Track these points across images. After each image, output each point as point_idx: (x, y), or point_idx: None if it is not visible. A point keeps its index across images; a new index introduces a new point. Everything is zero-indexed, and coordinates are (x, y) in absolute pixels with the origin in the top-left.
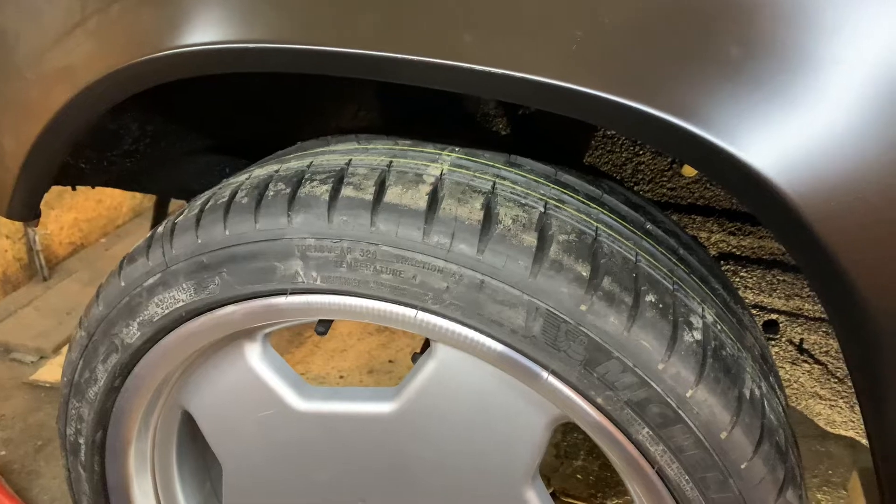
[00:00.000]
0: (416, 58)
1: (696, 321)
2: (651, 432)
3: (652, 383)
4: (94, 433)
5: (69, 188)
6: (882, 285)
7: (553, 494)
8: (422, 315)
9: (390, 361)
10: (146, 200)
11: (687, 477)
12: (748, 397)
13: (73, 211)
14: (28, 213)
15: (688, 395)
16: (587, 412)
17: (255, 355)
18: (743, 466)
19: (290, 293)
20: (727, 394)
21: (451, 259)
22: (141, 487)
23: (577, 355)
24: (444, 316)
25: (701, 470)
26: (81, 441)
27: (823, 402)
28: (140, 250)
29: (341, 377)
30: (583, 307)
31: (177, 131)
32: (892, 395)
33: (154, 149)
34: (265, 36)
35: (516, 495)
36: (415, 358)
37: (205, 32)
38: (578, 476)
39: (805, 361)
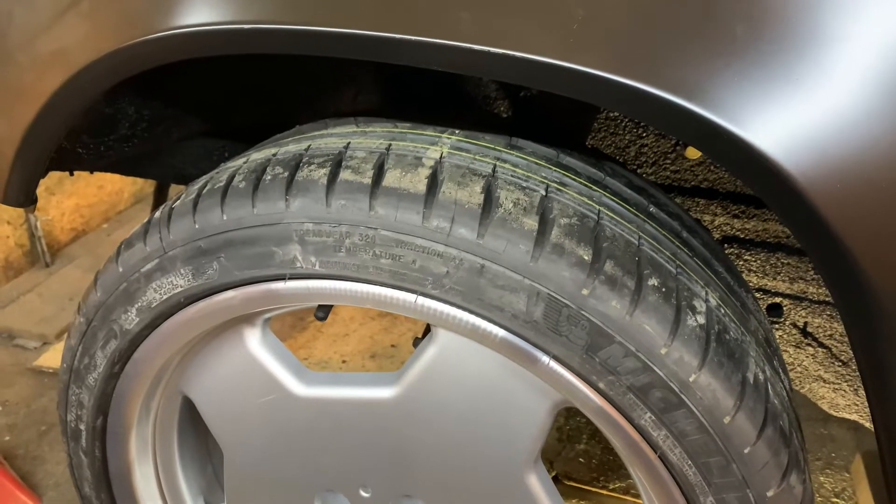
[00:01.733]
0: (412, 38)
1: (700, 305)
2: (654, 417)
3: (654, 368)
4: (94, 419)
5: (69, 174)
6: (887, 267)
7: (556, 478)
8: (422, 300)
9: (393, 346)
10: (147, 186)
11: (690, 462)
12: (752, 381)
13: (74, 197)
14: (25, 199)
15: (691, 379)
16: (589, 397)
17: (255, 340)
18: (746, 451)
19: (289, 278)
20: (730, 378)
21: (451, 243)
22: (142, 473)
23: (578, 340)
24: (444, 301)
25: (704, 455)
26: (82, 427)
27: (827, 385)
28: (138, 235)
29: (344, 362)
30: (584, 291)
31: (174, 115)
32: None
33: (152, 133)
34: (261, 16)
35: (518, 480)
36: (416, 343)
37: (198, 14)
38: (581, 460)
39: (809, 345)
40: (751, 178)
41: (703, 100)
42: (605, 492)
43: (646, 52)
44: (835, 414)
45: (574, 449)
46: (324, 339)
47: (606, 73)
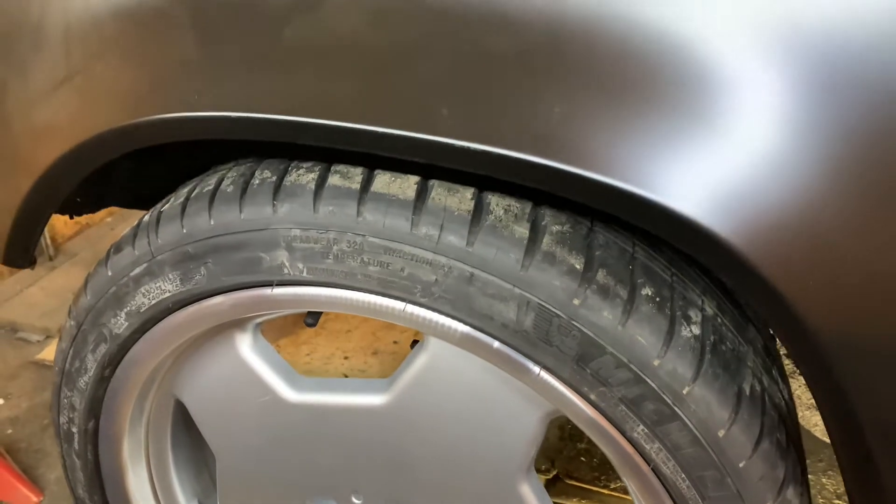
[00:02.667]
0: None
1: (695, 315)
2: (646, 430)
3: (647, 380)
4: (86, 422)
5: (69, 217)
6: (822, 307)
7: (557, 477)
8: (411, 308)
9: (395, 342)
10: None
11: (683, 475)
12: (748, 393)
13: None
14: (23, 260)
15: (684, 391)
16: (581, 408)
17: (246, 345)
18: (741, 465)
19: (276, 285)
20: (726, 390)
21: (440, 251)
22: (136, 476)
23: (569, 350)
24: (433, 309)
25: (698, 468)
26: (74, 430)
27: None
28: (126, 239)
29: (346, 357)
30: (576, 301)
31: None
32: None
33: (153, 179)
34: (243, 106)
35: (510, 488)
36: (414, 345)
37: (185, 102)
38: (582, 458)
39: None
40: (672, 236)
41: (611, 170)
42: (606, 491)
43: (553, 131)
44: (829, 441)
45: (575, 447)
46: (326, 334)
47: (520, 153)
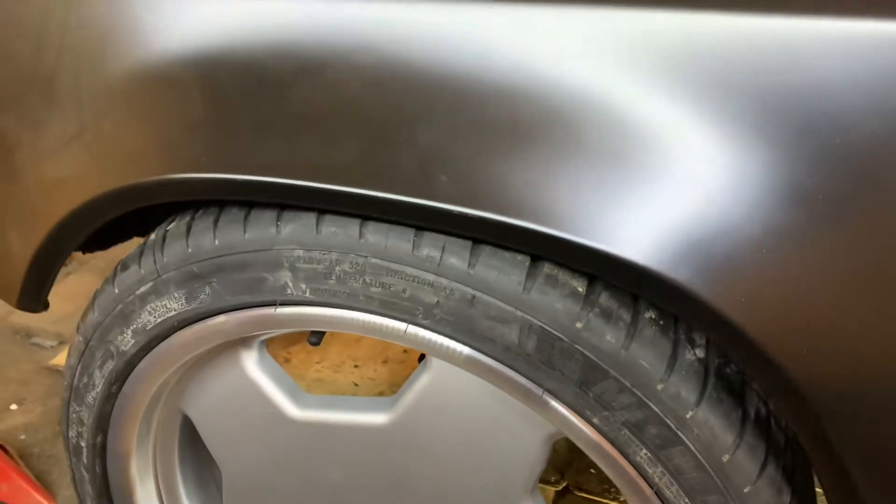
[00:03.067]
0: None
1: (699, 337)
2: (649, 454)
3: (650, 404)
4: (94, 437)
5: (81, 252)
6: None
7: (566, 489)
8: (413, 329)
9: (405, 351)
10: None
11: (687, 500)
12: (753, 417)
13: None
14: (36, 304)
15: (688, 416)
16: (583, 431)
17: (251, 362)
18: (746, 490)
19: (280, 304)
20: (730, 414)
21: (442, 273)
22: (144, 490)
23: (572, 374)
24: (435, 331)
25: (702, 493)
26: (83, 444)
27: None
28: (133, 257)
29: (356, 366)
30: (578, 325)
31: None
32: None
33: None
34: (247, 169)
35: None
36: (422, 358)
37: (191, 163)
38: (592, 471)
39: None
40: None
41: (568, 225)
42: (615, 503)
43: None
44: None
45: (585, 459)
46: (337, 343)
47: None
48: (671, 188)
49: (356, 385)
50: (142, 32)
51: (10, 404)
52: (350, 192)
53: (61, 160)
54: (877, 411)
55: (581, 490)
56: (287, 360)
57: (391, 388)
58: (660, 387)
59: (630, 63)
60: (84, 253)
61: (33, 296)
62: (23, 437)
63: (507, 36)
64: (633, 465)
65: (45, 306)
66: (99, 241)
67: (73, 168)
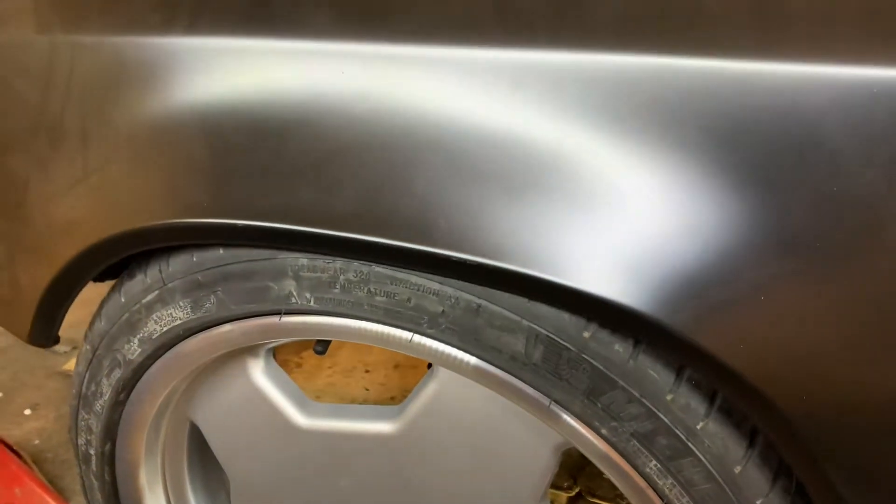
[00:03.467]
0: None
1: None
2: (659, 465)
3: (660, 415)
4: (102, 445)
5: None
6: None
7: (578, 494)
8: (418, 338)
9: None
10: None
11: None
12: None
13: None
14: (47, 340)
15: (698, 427)
16: (592, 442)
17: (257, 370)
18: (759, 502)
19: (284, 314)
20: (741, 425)
21: (447, 282)
22: (153, 497)
23: (579, 384)
24: (441, 340)
25: None
26: (92, 451)
27: None
28: (138, 266)
29: (367, 371)
30: (586, 334)
31: None
32: None
33: None
34: (248, 215)
35: None
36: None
37: (194, 209)
38: (604, 476)
39: None
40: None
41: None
42: None
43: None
44: None
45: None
46: (348, 347)
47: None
48: (667, 237)
49: (367, 390)
50: (146, 82)
51: (24, 409)
52: (351, 238)
53: (68, 202)
54: (872, 453)
55: (594, 496)
56: (299, 366)
57: (402, 394)
58: (669, 397)
59: (625, 116)
60: (95, 281)
61: (43, 332)
62: (36, 441)
63: (492, 88)
64: (642, 476)
65: (56, 341)
66: (111, 271)
67: (80, 210)
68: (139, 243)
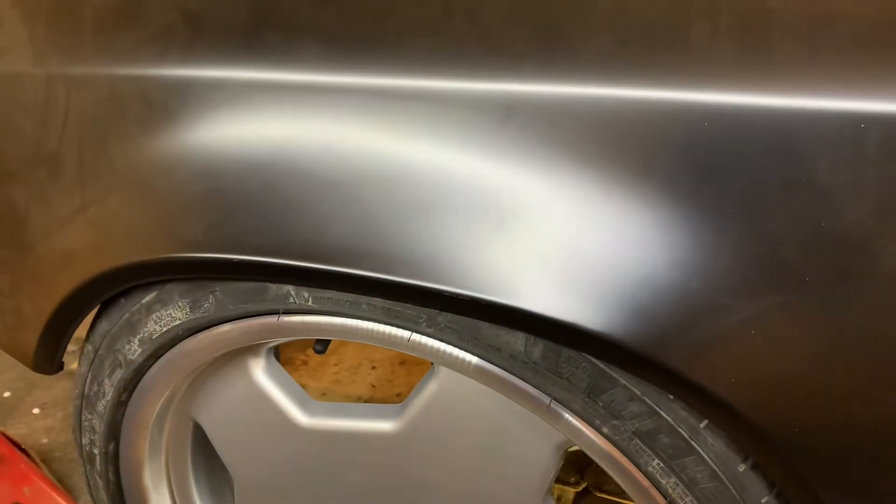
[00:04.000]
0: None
1: None
2: (662, 464)
3: (662, 413)
4: (106, 445)
5: None
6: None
7: (586, 490)
8: (416, 337)
9: None
10: None
11: None
12: None
13: None
14: (50, 367)
15: (701, 425)
16: (594, 441)
17: (259, 370)
18: (763, 501)
19: (283, 313)
20: None
21: None
22: (158, 496)
23: (580, 383)
24: (439, 339)
25: None
26: (96, 452)
27: None
28: None
29: (373, 367)
30: None
31: None
32: None
33: None
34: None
35: None
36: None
37: (191, 243)
38: None
39: None
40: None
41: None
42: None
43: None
44: None
45: None
46: (354, 344)
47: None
48: (657, 271)
49: (373, 386)
50: (141, 115)
51: (33, 408)
52: (347, 273)
53: (68, 234)
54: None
55: (601, 490)
56: (304, 363)
57: (408, 390)
58: (671, 395)
59: (621, 155)
60: None
61: (47, 359)
62: (45, 440)
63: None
64: (645, 475)
65: (60, 368)
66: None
67: (79, 243)
68: (136, 277)
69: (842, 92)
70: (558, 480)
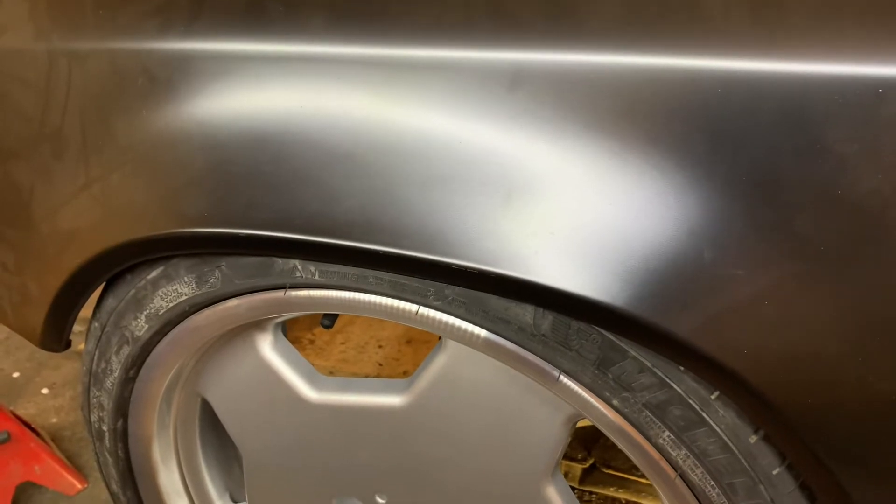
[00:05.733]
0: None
1: None
2: (672, 436)
3: (672, 384)
4: (115, 422)
5: None
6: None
7: (593, 466)
8: (424, 310)
9: None
10: None
11: (713, 482)
12: None
13: None
14: (58, 345)
15: (712, 396)
16: (603, 413)
17: (266, 345)
18: (775, 472)
19: (289, 288)
20: None
21: None
22: (167, 472)
23: (589, 355)
24: (447, 312)
25: (728, 475)
26: (105, 428)
27: None
28: None
29: (380, 346)
30: None
31: None
32: None
33: None
34: (248, 224)
35: (535, 491)
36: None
37: (194, 218)
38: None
39: None
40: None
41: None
42: (643, 480)
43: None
44: None
45: None
46: (361, 323)
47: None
48: (670, 241)
49: (380, 365)
50: (144, 89)
51: (42, 388)
52: (352, 246)
53: (72, 212)
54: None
55: (608, 467)
56: (312, 342)
57: (415, 368)
58: (682, 367)
59: (633, 120)
60: None
61: (55, 337)
62: (54, 420)
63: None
64: (655, 447)
65: (67, 346)
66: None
67: (83, 220)
68: (142, 253)
69: (858, 57)
70: (566, 457)
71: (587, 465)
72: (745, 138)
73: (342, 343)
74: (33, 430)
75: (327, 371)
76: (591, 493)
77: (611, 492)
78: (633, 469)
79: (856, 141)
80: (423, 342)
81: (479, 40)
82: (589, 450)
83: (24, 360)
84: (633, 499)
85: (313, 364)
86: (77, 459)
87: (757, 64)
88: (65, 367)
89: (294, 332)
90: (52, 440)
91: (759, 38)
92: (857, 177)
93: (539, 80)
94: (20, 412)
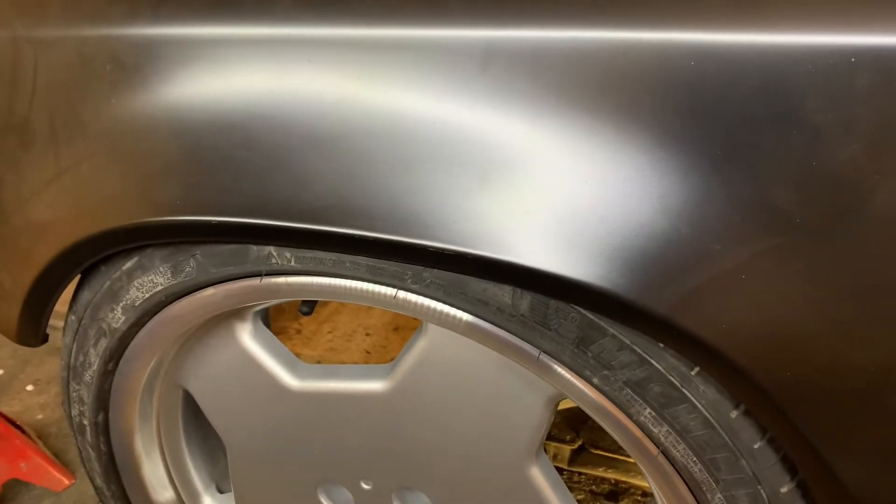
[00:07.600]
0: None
1: None
2: (653, 413)
3: (652, 361)
4: (96, 415)
5: None
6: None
7: (581, 447)
8: (402, 294)
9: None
10: None
11: (695, 458)
12: None
13: None
14: (34, 339)
15: (693, 372)
16: (584, 392)
17: (246, 334)
18: (756, 446)
19: (265, 275)
20: None
21: None
22: (151, 464)
23: (568, 334)
24: (426, 295)
25: (710, 451)
26: (86, 422)
27: None
28: None
29: (367, 334)
30: None
31: None
32: None
33: None
34: (221, 211)
35: (519, 472)
36: None
37: (167, 207)
38: None
39: None
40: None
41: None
42: (631, 460)
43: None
44: None
45: None
46: (347, 311)
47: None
48: (645, 217)
49: (368, 353)
50: (111, 77)
51: (27, 385)
52: (326, 230)
53: (43, 203)
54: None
55: (597, 448)
56: (298, 332)
57: None
58: (661, 343)
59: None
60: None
61: (31, 332)
62: (39, 416)
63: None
64: (637, 424)
65: (44, 340)
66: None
67: (55, 211)
68: (115, 244)
69: (831, 26)
70: (554, 438)
71: (575, 446)
72: (719, 111)
73: (329, 332)
74: (18, 427)
75: (315, 360)
76: (580, 473)
77: (600, 472)
78: (621, 449)
79: (830, 111)
80: (410, 329)
81: (449, 18)
82: (577, 431)
83: (7, 357)
84: (622, 478)
85: (300, 354)
86: (64, 455)
87: (729, 36)
88: (49, 364)
89: (280, 321)
90: (38, 437)
91: (729, 10)
92: (833, 148)
93: (511, 58)
94: (5, 409)
